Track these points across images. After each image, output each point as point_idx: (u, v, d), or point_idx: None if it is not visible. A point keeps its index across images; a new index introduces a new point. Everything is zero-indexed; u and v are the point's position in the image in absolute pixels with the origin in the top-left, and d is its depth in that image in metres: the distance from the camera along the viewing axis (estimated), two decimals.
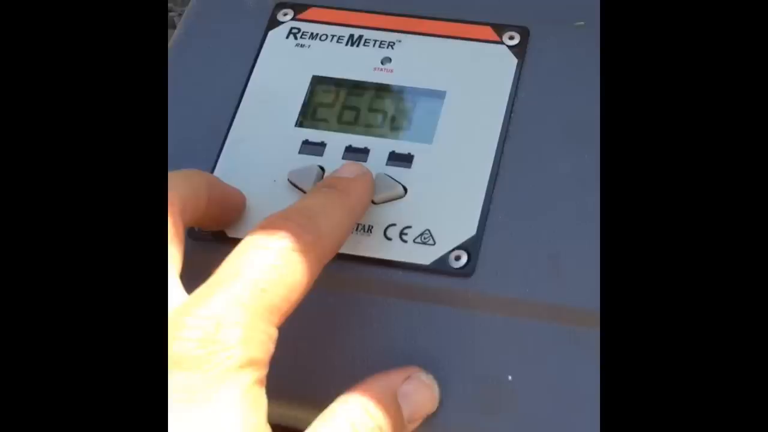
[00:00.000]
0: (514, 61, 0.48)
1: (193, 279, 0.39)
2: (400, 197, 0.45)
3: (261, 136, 0.48)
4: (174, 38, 0.52)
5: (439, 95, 0.48)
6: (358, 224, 0.45)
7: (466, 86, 0.48)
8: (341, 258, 0.44)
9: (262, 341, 0.35)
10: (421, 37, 0.50)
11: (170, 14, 1.02)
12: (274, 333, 0.36)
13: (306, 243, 0.37)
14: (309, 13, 0.51)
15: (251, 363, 0.34)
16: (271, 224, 0.38)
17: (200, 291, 0.35)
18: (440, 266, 0.43)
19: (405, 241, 0.44)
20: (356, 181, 0.42)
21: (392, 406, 0.38)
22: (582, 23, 0.49)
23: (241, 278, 0.35)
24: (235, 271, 0.36)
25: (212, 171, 0.47)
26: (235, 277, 0.35)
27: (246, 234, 0.38)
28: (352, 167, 0.43)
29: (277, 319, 0.36)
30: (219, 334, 0.34)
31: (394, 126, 0.48)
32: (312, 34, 0.51)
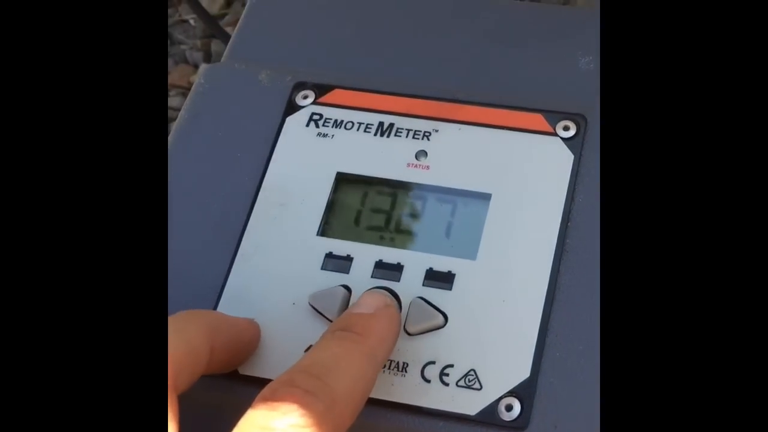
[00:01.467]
0: (571, 156, 0.42)
1: (202, 421, 0.33)
2: (440, 327, 0.39)
3: (278, 247, 0.41)
4: (177, 124, 0.46)
5: (484, 198, 0.41)
6: (392, 361, 0.38)
7: (514, 187, 0.41)
8: (370, 403, 0.37)
9: None
10: (461, 126, 0.43)
11: (182, 47, 0.96)
12: None
13: (317, 414, 0.31)
14: (333, 96, 0.45)
15: None
16: (273, 394, 0.31)
17: None
18: (488, 418, 0.37)
19: (446, 384, 0.38)
20: (377, 318, 0.36)
21: None
22: None
23: None
24: None
25: (222, 287, 0.41)
26: None
27: (249, 411, 0.31)
28: (370, 300, 0.37)
29: None
30: None
31: (431, 236, 0.41)
32: (336, 121, 0.44)
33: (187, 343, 0.34)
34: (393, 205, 0.42)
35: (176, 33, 0.99)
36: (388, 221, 0.42)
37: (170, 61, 0.96)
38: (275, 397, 0.31)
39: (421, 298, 0.39)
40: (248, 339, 0.38)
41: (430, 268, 0.40)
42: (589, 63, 0.45)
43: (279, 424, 0.30)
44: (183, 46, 0.96)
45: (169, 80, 0.92)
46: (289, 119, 0.45)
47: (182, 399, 0.34)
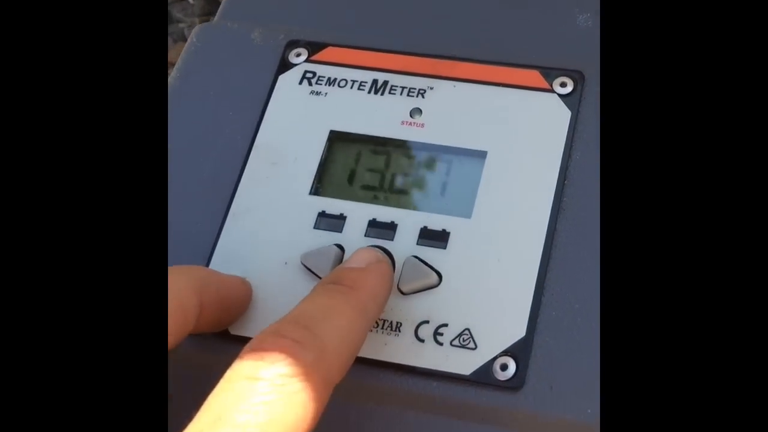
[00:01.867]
0: (568, 113, 0.41)
1: (193, 381, 0.32)
2: (434, 286, 0.38)
3: (270, 206, 0.41)
4: (169, 83, 0.45)
5: (479, 156, 0.40)
6: (385, 321, 0.37)
7: (510, 145, 0.40)
8: (364, 363, 0.37)
9: None
10: (456, 83, 0.42)
11: (180, 26, 0.94)
12: None
13: (306, 364, 0.30)
14: (326, 53, 0.44)
15: None
16: (261, 344, 0.31)
17: None
18: (483, 377, 0.36)
19: (440, 344, 0.37)
20: (368, 272, 0.35)
21: None
22: None
23: (224, 424, 0.28)
24: (217, 415, 0.29)
25: (213, 247, 0.40)
26: (216, 423, 0.28)
27: (238, 357, 0.31)
28: (362, 255, 0.36)
29: None
30: None
31: (426, 194, 0.40)
32: (329, 79, 0.43)
33: (175, 298, 0.33)
34: (387, 163, 0.41)
35: (175, 11, 0.98)
36: (381, 180, 0.41)
37: (169, 40, 0.95)
38: (263, 347, 0.30)
39: (415, 257, 0.38)
40: (239, 297, 0.37)
41: (425, 227, 0.39)
42: (588, 20, 0.44)
43: (266, 373, 0.29)
44: (181, 25, 0.95)
45: (168, 58, 0.91)
46: (281, 77, 0.44)
47: (171, 358, 0.33)
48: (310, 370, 0.30)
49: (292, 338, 0.31)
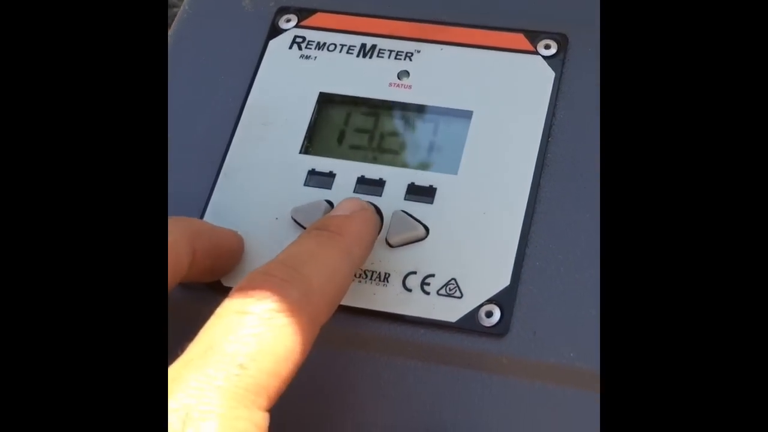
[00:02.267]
0: (552, 74, 0.42)
1: (185, 330, 0.33)
2: (421, 239, 0.39)
3: (261, 165, 0.42)
4: None
5: (465, 116, 0.41)
6: (373, 272, 0.38)
7: (495, 105, 0.41)
8: (353, 312, 0.38)
9: None
10: (443, 46, 0.43)
11: (174, 10, 0.95)
12: (261, 419, 0.29)
13: (293, 301, 0.31)
14: (315, 19, 0.45)
15: None
16: (250, 283, 0.32)
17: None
18: (469, 324, 0.37)
19: (427, 293, 0.38)
20: (353, 218, 0.36)
21: None
22: None
23: (214, 354, 0.29)
24: (208, 345, 0.30)
25: (205, 204, 0.41)
26: (207, 353, 0.29)
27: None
28: (347, 204, 0.37)
29: (263, 400, 0.30)
30: (188, 430, 0.28)
31: (413, 153, 0.41)
32: (318, 43, 0.44)
33: (168, 243, 0.34)
34: (375, 123, 0.42)
35: None
36: (370, 139, 0.42)
37: None
38: (252, 286, 0.31)
39: (403, 211, 0.39)
40: (231, 247, 0.38)
41: (412, 183, 0.40)
42: None
43: (255, 308, 0.30)
44: (175, 9, 0.96)
45: None
46: (272, 42, 0.45)
47: None
48: (296, 307, 0.31)
49: (279, 277, 0.32)
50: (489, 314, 0.37)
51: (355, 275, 0.38)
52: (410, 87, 0.42)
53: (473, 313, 0.37)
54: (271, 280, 0.31)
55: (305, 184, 0.41)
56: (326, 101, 0.43)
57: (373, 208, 0.38)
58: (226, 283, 0.39)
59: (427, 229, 0.39)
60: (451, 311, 0.37)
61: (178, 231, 0.35)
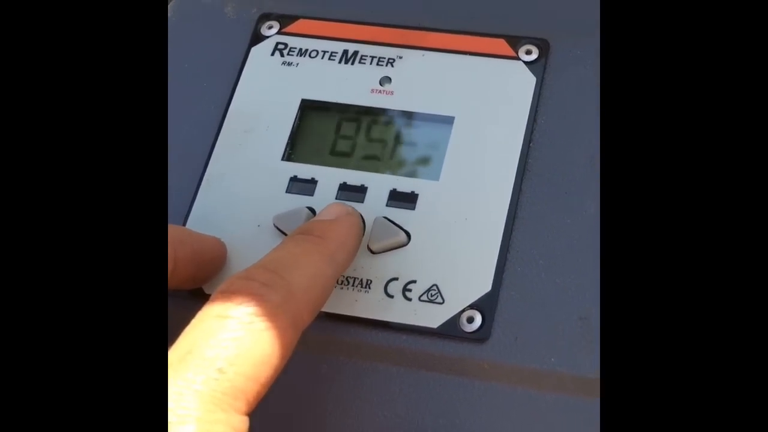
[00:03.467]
0: (533, 79, 0.42)
1: (169, 340, 0.33)
2: (403, 245, 0.39)
3: (243, 172, 0.42)
4: None
5: (447, 121, 0.41)
6: (355, 278, 0.38)
7: (477, 110, 0.42)
8: (336, 319, 0.38)
9: None
10: (424, 52, 0.43)
11: None
12: (240, 424, 0.29)
13: (273, 305, 0.31)
14: (297, 26, 0.45)
15: None
16: (231, 287, 0.32)
17: None
18: (450, 330, 0.37)
19: (409, 299, 0.38)
20: (337, 223, 0.36)
21: None
22: None
23: (194, 358, 0.29)
24: (187, 350, 0.30)
25: (188, 211, 0.41)
26: (186, 357, 0.29)
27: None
28: (332, 208, 0.38)
29: (242, 404, 0.30)
30: None
31: (395, 159, 0.41)
32: (301, 50, 0.44)
33: None
34: (357, 130, 0.42)
35: None
36: (352, 146, 0.42)
37: None
38: (232, 290, 0.31)
39: (385, 217, 0.40)
40: (214, 254, 0.38)
41: (394, 189, 0.40)
42: None
43: (235, 312, 0.30)
44: None
45: None
46: (254, 49, 0.45)
47: None
48: (277, 311, 0.31)
49: (260, 281, 0.32)
50: (470, 320, 0.37)
51: (337, 281, 0.38)
52: (392, 93, 0.43)
53: (455, 319, 0.37)
54: (252, 284, 0.31)
55: (287, 191, 0.41)
56: (308, 108, 0.43)
57: (358, 213, 0.38)
58: (208, 291, 0.39)
59: (408, 235, 0.39)
60: (432, 317, 0.37)
61: None
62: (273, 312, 0.31)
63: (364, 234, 0.39)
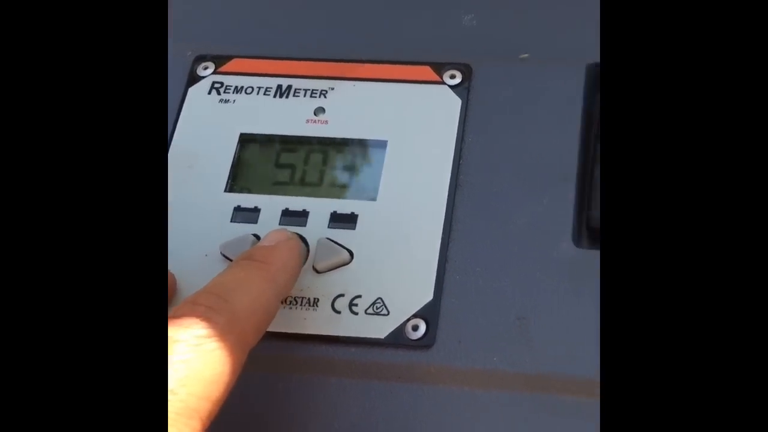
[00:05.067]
0: (458, 101, 0.44)
1: None
2: (347, 263, 0.41)
3: (189, 205, 0.43)
4: None
5: (381, 145, 0.44)
6: (303, 298, 0.40)
7: (408, 133, 0.44)
8: (287, 338, 0.40)
9: None
10: (355, 82, 0.46)
11: None
12: None
13: (219, 327, 0.33)
14: (231, 65, 0.47)
15: None
16: (178, 312, 0.33)
17: None
18: (397, 339, 0.39)
19: (356, 314, 0.40)
20: (277, 248, 0.38)
21: None
22: (526, 55, 0.45)
23: None
24: None
25: None
26: None
27: None
28: (273, 235, 0.39)
29: (196, 422, 0.31)
30: None
31: (333, 183, 0.43)
32: (236, 87, 0.46)
33: None
34: (296, 158, 0.44)
35: None
36: (292, 174, 0.44)
37: None
38: (180, 315, 0.33)
39: (328, 238, 0.41)
40: None
41: (334, 211, 0.42)
42: (472, 20, 0.48)
43: (183, 335, 0.32)
44: None
45: None
46: (191, 89, 0.47)
47: None
48: (223, 332, 0.33)
49: (205, 305, 0.33)
50: (415, 328, 0.39)
51: (285, 302, 0.40)
52: (327, 122, 0.45)
53: (400, 329, 0.39)
54: (198, 308, 0.33)
55: (232, 221, 0.42)
56: (247, 141, 0.45)
57: (297, 237, 0.40)
58: None
59: (351, 253, 0.41)
60: (379, 328, 0.39)
61: None
62: (219, 333, 0.32)
63: (307, 256, 0.41)
